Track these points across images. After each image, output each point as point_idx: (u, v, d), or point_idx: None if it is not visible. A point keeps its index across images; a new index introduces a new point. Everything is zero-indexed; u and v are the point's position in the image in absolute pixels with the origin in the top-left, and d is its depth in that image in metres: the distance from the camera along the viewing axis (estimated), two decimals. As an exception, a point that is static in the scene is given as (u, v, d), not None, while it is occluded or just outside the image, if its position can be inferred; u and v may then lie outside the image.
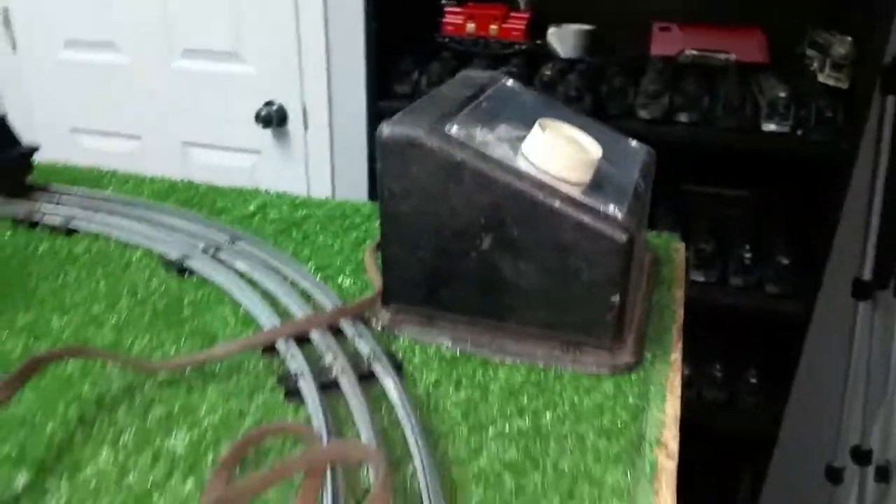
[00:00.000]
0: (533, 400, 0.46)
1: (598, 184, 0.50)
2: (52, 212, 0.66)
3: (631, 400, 0.46)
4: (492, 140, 0.49)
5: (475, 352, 0.51)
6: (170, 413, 0.44)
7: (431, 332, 0.52)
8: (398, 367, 0.48)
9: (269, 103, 2.00)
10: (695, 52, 1.36)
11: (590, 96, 1.25)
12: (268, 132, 1.97)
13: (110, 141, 2.07)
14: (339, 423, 0.42)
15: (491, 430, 0.43)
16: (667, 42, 1.41)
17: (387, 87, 1.70)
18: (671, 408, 0.46)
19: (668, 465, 0.41)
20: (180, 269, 0.59)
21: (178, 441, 0.42)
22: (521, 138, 0.50)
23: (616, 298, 0.48)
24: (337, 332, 0.50)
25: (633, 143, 0.60)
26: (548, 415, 0.44)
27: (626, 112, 1.25)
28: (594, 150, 0.50)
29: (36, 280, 0.58)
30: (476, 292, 0.51)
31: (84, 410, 0.44)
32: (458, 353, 0.50)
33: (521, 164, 0.48)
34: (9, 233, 0.65)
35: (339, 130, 1.98)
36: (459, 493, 0.38)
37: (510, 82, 0.61)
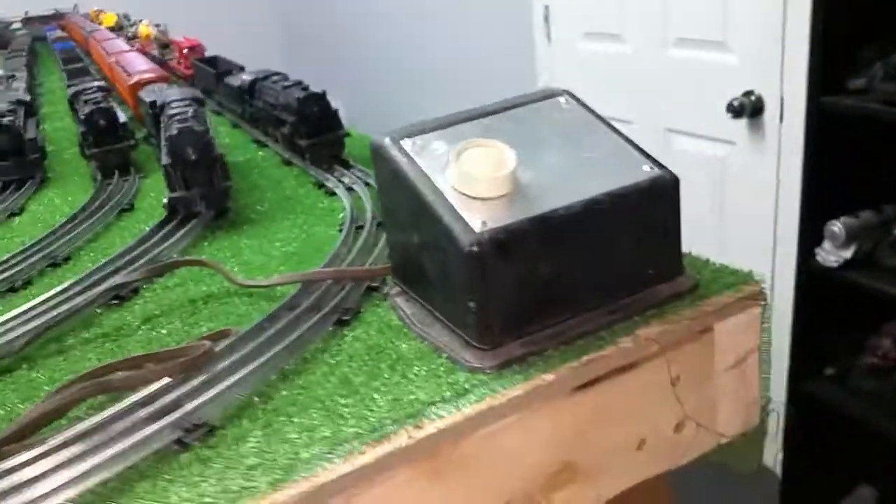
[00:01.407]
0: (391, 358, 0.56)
1: (510, 202, 0.54)
2: (346, 179, 0.97)
3: (445, 391, 0.51)
4: (441, 154, 0.58)
5: (411, 327, 0.61)
6: (215, 314, 0.69)
7: (401, 303, 0.64)
8: (343, 321, 0.63)
9: (747, 93, 1.99)
10: None
11: None
12: (742, 123, 1.95)
13: (611, 124, 2.32)
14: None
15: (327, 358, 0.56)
16: None
17: (839, 80, 1.54)
18: (469, 409, 0.49)
19: (400, 441, 0.47)
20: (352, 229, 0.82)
21: (205, 327, 0.67)
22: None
23: (473, 304, 0.52)
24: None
25: (646, 167, 0.57)
26: (384, 366, 0.55)
27: None
28: (505, 169, 0.54)
29: (283, 220, 0.89)
30: (419, 280, 0.61)
31: (193, 294, 0.73)
32: (402, 324, 0.62)
33: (439, 178, 0.56)
34: (303, 190, 0.98)
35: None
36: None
37: (563, 100, 0.64)
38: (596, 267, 0.56)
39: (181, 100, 1.02)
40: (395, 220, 0.63)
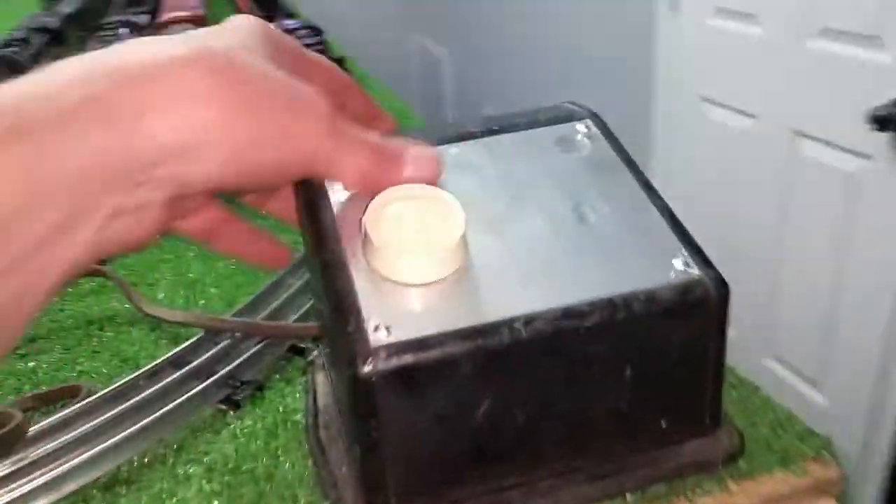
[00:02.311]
0: (257, 488, 0.38)
1: (446, 293, 0.34)
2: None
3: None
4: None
5: (311, 432, 0.43)
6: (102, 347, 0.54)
7: (320, 383, 0.45)
8: (232, 400, 0.45)
9: (897, 101, 1.65)
10: None
11: None
12: (885, 136, 1.63)
13: (730, 115, 2.03)
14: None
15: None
16: None
17: None
18: None
19: None
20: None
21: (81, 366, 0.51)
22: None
23: (358, 450, 0.33)
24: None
25: (679, 262, 0.35)
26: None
27: None
28: (445, 242, 0.34)
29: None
30: (332, 362, 0.42)
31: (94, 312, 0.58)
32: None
33: (353, 234, 0.37)
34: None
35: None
36: None
37: (581, 127, 0.42)
38: (570, 411, 0.35)
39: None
40: (310, 266, 0.44)
